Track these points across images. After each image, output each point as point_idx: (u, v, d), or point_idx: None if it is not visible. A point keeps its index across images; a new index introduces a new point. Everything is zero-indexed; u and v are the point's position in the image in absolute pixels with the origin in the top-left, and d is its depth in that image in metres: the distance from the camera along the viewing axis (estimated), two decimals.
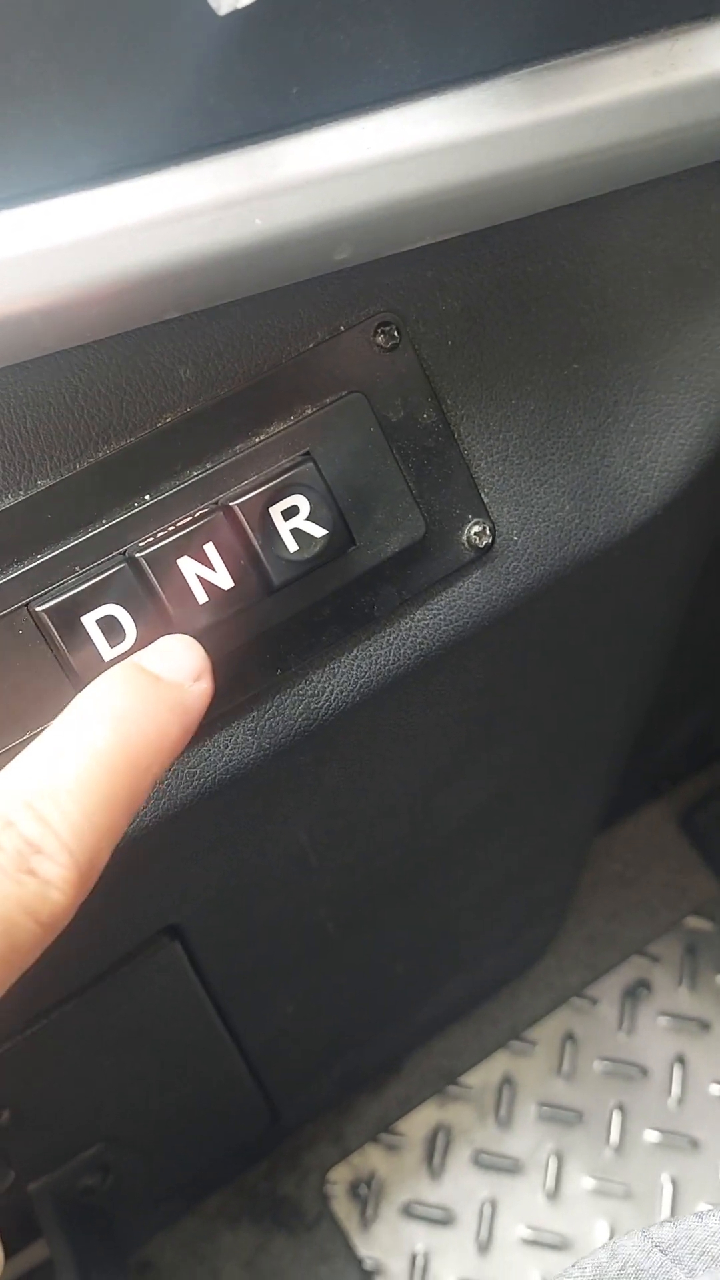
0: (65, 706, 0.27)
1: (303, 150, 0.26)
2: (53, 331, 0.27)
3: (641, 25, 0.29)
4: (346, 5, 0.26)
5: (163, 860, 0.34)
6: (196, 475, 0.30)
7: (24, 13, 0.24)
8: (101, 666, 0.28)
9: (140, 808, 0.23)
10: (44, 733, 0.24)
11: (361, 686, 0.33)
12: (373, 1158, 0.77)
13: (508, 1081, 0.80)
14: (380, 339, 0.32)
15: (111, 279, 0.26)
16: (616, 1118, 0.78)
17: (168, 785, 0.32)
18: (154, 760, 0.24)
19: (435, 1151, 0.77)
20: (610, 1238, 0.75)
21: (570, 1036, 0.81)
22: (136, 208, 0.26)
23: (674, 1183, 0.76)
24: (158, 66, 0.25)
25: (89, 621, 0.28)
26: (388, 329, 0.32)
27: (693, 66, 0.30)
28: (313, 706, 0.33)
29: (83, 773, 0.22)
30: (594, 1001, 0.83)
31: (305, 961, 0.49)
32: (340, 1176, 0.77)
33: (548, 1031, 0.82)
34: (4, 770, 0.23)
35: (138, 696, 0.24)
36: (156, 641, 0.27)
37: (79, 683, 0.28)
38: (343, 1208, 0.76)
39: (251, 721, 0.32)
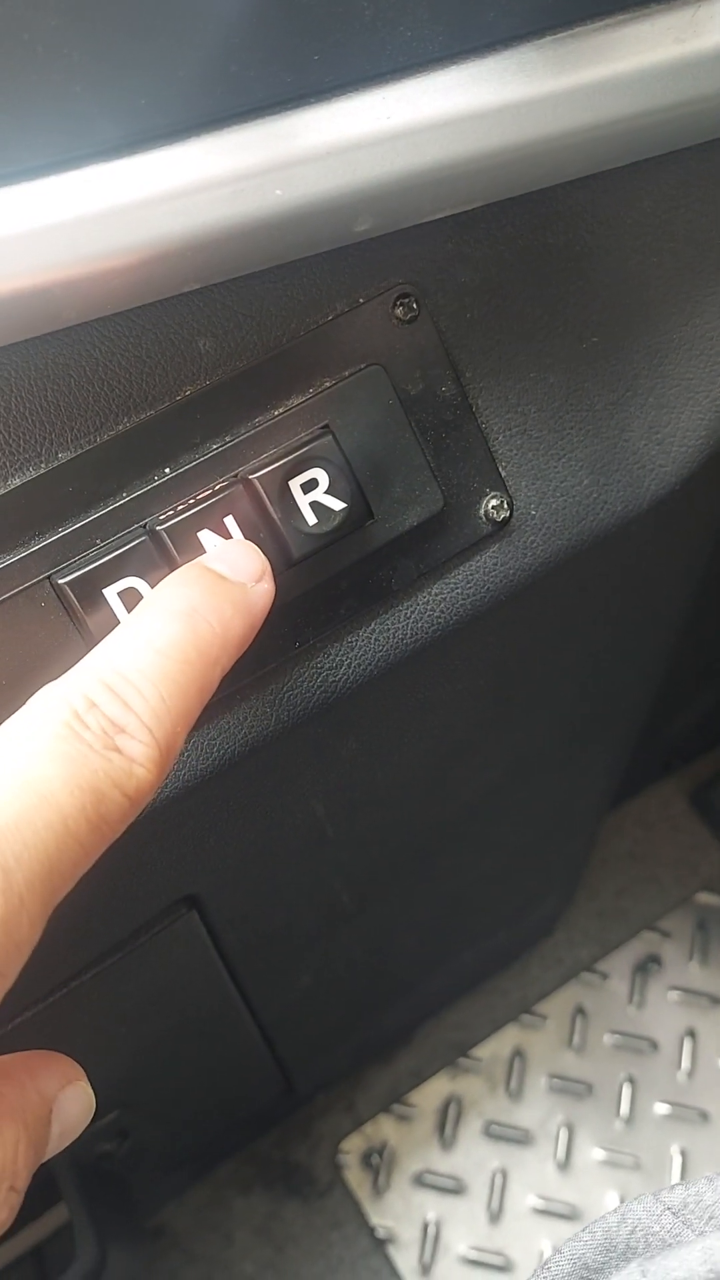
0: None
1: (324, 120, 0.26)
2: (73, 304, 0.27)
3: None
4: None
5: (182, 830, 0.35)
6: (216, 448, 0.30)
7: None
8: None
9: (209, 697, 0.25)
10: (119, 625, 0.25)
11: (379, 660, 0.34)
12: (384, 1128, 0.78)
13: (518, 1054, 0.80)
14: (399, 311, 0.31)
15: (132, 250, 0.26)
16: (626, 1090, 0.79)
17: (187, 756, 0.32)
18: (221, 652, 0.25)
19: (446, 1122, 0.78)
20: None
21: (581, 1010, 0.82)
22: (157, 178, 0.26)
23: (683, 1154, 0.77)
24: (179, 34, 0.25)
25: (110, 594, 0.29)
26: (406, 301, 0.31)
27: (715, 33, 0.30)
28: (330, 679, 0.33)
29: (158, 660, 0.24)
30: (604, 976, 0.83)
31: (320, 933, 0.50)
32: (352, 1146, 0.78)
33: (558, 1005, 0.82)
34: (86, 657, 0.24)
35: (205, 592, 0.26)
36: (218, 545, 0.28)
37: None
38: (355, 1176, 0.77)
39: (270, 694, 0.33)
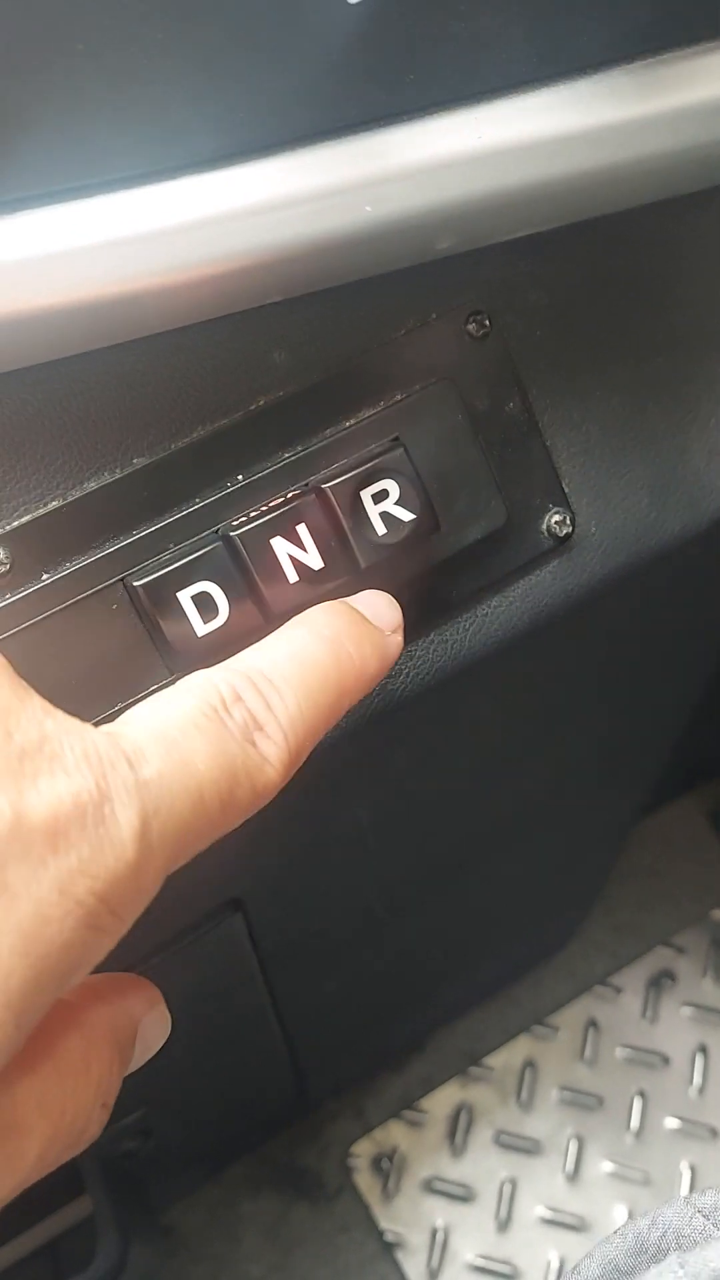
0: (156, 680, 0.29)
1: (415, 138, 0.27)
2: (161, 312, 0.27)
3: None
4: None
5: (235, 834, 0.35)
6: (288, 457, 0.30)
7: None
8: (194, 642, 0.29)
9: (333, 723, 0.25)
10: (267, 637, 0.26)
11: (436, 671, 0.34)
12: (395, 1133, 0.78)
13: (530, 1065, 0.81)
14: (471, 328, 0.32)
15: (223, 261, 0.26)
16: (637, 1104, 0.79)
17: None
18: (354, 684, 0.26)
19: (457, 1130, 0.78)
20: (628, 1220, 0.76)
21: (593, 1023, 0.82)
22: (249, 191, 0.26)
23: (693, 1169, 0.77)
24: (279, 50, 0.25)
25: (184, 597, 0.29)
26: (479, 319, 0.32)
27: None
28: (389, 689, 0.33)
29: (301, 673, 0.25)
30: (618, 990, 0.84)
31: (351, 941, 0.50)
32: (363, 1150, 0.78)
33: (571, 1017, 0.82)
34: (235, 657, 0.25)
35: (350, 625, 0.27)
36: (362, 594, 0.30)
37: (172, 657, 0.29)
38: (365, 1181, 0.77)
39: None
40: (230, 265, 0.27)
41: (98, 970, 0.21)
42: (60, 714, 0.20)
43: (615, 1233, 0.32)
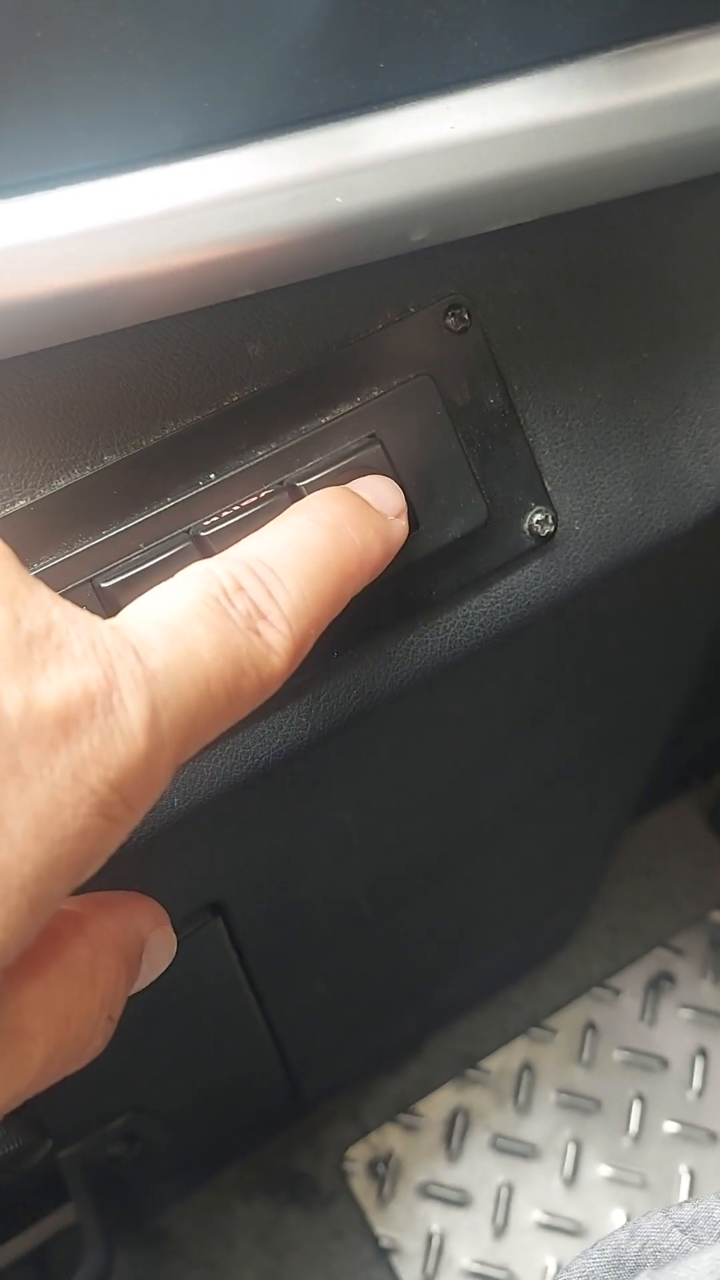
0: None
1: (387, 128, 0.26)
2: (129, 306, 0.26)
3: None
4: None
5: (214, 837, 0.35)
6: (262, 455, 0.30)
7: None
8: None
9: (339, 610, 0.25)
10: (266, 526, 0.26)
11: (416, 672, 0.33)
12: (391, 1137, 0.78)
13: (527, 1067, 0.80)
14: (450, 321, 0.31)
15: (190, 254, 0.26)
16: (635, 1107, 0.79)
17: (220, 763, 0.32)
18: (359, 569, 0.26)
19: (454, 1134, 0.78)
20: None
21: (591, 1025, 0.82)
22: (218, 182, 0.26)
23: (691, 1174, 0.76)
24: (246, 38, 0.24)
25: None
26: (458, 312, 0.31)
27: None
28: (367, 689, 0.33)
29: (301, 561, 0.24)
30: (616, 992, 0.83)
31: (339, 942, 0.49)
32: (358, 1154, 0.77)
33: (569, 1020, 0.82)
34: (234, 547, 0.25)
35: (351, 511, 0.27)
36: (363, 479, 0.29)
37: None
38: (360, 1185, 0.76)
39: (306, 703, 0.32)
40: (198, 258, 0.26)
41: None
42: (67, 603, 0.20)
43: (594, 1246, 0.32)
